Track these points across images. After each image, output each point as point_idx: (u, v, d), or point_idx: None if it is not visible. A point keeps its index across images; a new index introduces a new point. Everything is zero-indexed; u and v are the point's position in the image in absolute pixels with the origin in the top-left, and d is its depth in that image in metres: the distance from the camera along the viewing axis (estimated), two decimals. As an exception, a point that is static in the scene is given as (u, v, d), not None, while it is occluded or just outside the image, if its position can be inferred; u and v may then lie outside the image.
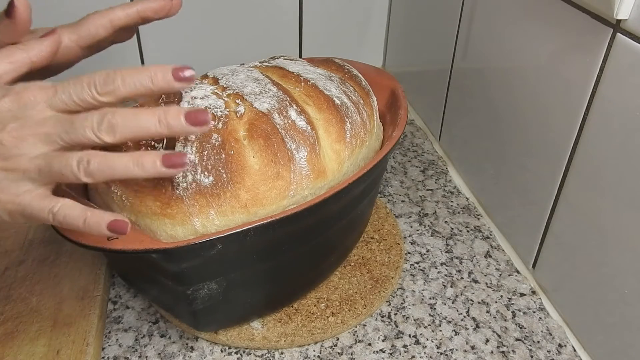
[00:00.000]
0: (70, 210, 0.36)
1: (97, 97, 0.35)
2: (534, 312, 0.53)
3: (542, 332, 0.51)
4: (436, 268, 0.57)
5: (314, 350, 0.49)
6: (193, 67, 0.36)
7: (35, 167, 0.35)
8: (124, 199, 0.41)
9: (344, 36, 0.91)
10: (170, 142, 0.41)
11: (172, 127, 0.35)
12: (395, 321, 0.52)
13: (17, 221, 0.37)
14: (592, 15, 0.43)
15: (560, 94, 0.48)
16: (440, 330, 0.51)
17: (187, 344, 0.49)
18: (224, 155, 0.40)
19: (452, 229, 0.62)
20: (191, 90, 0.45)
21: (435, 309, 0.53)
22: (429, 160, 0.74)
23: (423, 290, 0.55)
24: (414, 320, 0.52)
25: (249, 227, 0.38)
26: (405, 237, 0.61)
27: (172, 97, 0.45)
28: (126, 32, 0.50)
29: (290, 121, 0.43)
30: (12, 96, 0.35)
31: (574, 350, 0.49)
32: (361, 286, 0.53)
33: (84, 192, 0.46)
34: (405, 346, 0.49)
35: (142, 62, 0.88)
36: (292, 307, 0.51)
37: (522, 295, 0.54)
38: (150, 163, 0.35)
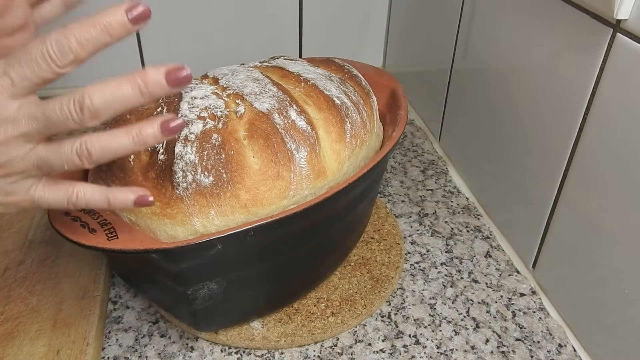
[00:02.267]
0: (90, 197, 0.35)
1: (58, 70, 0.33)
2: (534, 312, 0.53)
3: (542, 332, 0.51)
4: (436, 268, 0.57)
5: (314, 350, 0.49)
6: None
7: (32, 165, 0.34)
8: (124, 199, 0.41)
9: (344, 36, 0.91)
10: (170, 142, 0.41)
11: (155, 93, 0.33)
12: (395, 321, 0.52)
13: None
14: (592, 15, 0.43)
15: (560, 94, 0.48)
16: (440, 330, 0.51)
17: (187, 344, 0.49)
18: (224, 155, 0.40)
19: (452, 229, 0.62)
20: (191, 90, 0.45)
21: (435, 309, 0.53)
22: (429, 160, 0.74)
23: (423, 290, 0.55)
24: (414, 320, 0.52)
25: (249, 227, 0.38)
26: (405, 237, 0.61)
27: (172, 97, 0.45)
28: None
29: (290, 121, 0.43)
30: None
31: (574, 350, 0.49)
32: (361, 286, 0.53)
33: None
34: (405, 346, 0.49)
35: (142, 62, 0.88)
36: (292, 307, 0.51)
37: (522, 295, 0.54)
38: (151, 137, 0.34)
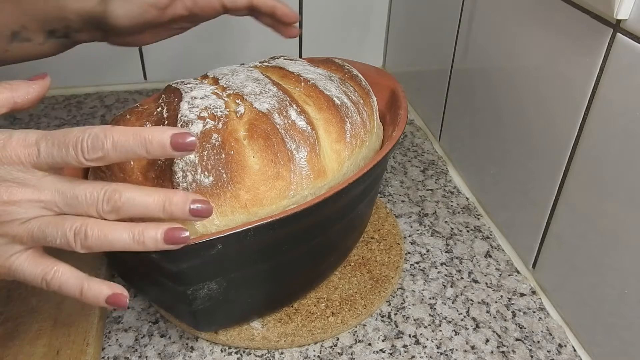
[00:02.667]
0: (65, 279, 0.34)
1: (84, 162, 0.33)
2: (534, 312, 0.53)
3: (542, 332, 0.51)
4: (436, 268, 0.57)
5: (314, 350, 0.49)
6: (194, 135, 0.34)
7: (27, 232, 0.33)
8: (124, 199, 0.41)
9: (344, 36, 0.91)
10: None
11: (176, 216, 0.34)
12: (395, 321, 0.52)
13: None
14: (592, 15, 0.43)
15: (560, 93, 0.48)
16: (440, 330, 0.51)
17: (187, 344, 0.49)
18: (224, 155, 0.40)
19: (452, 229, 0.62)
20: (191, 91, 0.45)
21: (435, 309, 0.53)
22: (429, 160, 0.74)
23: (423, 290, 0.55)
24: (414, 320, 0.52)
25: (249, 227, 0.38)
26: (405, 237, 0.61)
27: (172, 97, 0.45)
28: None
29: (290, 121, 0.43)
30: None
31: (574, 350, 0.49)
32: (361, 286, 0.53)
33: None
34: (405, 346, 0.49)
35: (142, 62, 0.88)
36: (292, 307, 0.51)
37: (522, 295, 0.54)
38: (151, 240, 0.34)
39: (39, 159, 0.33)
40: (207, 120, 0.42)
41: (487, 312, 0.53)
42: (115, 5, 0.53)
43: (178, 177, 0.40)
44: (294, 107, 0.44)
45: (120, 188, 0.34)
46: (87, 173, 0.46)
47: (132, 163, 0.42)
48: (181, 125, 0.41)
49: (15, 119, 0.82)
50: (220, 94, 0.45)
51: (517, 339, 0.50)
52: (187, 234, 0.35)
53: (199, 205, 0.34)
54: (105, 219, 0.34)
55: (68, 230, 0.33)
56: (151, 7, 0.54)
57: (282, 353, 0.49)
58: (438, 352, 0.49)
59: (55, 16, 0.54)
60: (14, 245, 0.34)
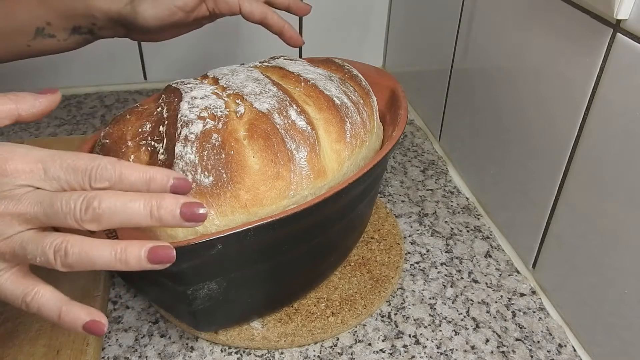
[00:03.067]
0: (44, 302, 0.33)
1: (88, 187, 0.32)
2: (534, 312, 0.53)
3: (542, 332, 0.51)
4: (436, 268, 0.57)
5: (314, 350, 0.49)
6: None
7: (9, 249, 0.33)
8: (124, 199, 0.41)
9: (344, 36, 0.91)
10: (170, 143, 0.41)
11: (165, 221, 0.32)
12: (395, 321, 0.52)
13: None
14: (592, 15, 0.43)
15: (560, 93, 0.48)
16: (440, 330, 0.51)
17: (187, 344, 0.49)
18: (224, 155, 0.40)
19: (452, 229, 0.62)
20: (191, 91, 0.45)
21: (435, 309, 0.53)
22: (429, 160, 0.74)
23: (423, 290, 0.55)
24: (414, 320, 0.52)
25: (249, 227, 0.38)
26: (405, 237, 0.61)
27: (172, 97, 0.45)
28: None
29: (290, 121, 0.43)
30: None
31: (574, 350, 0.49)
32: (361, 286, 0.53)
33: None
34: (405, 346, 0.49)
35: (142, 62, 0.88)
36: (292, 307, 0.51)
37: (522, 295, 0.54)
38: (134, 259, 0.32)
39: (44, 180, 0.33)
40: (207, 120, 0.42)
41: (487, 312, 0.53)
42: (145, 7, 0.55)
43: (178, 177, 0.40)
44: (294, 107, 0.44)
45: (101, 194, 0.32)
46: None
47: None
48: (181, 125, 0.41)
49: (15, 119, 0.82)
50: (220, 94, 0.45)
51: (517, 339, 0.50)
52: (173, 252, 0.33)
53: (193, 209, 0.33)
54: (88, 231, 0.32)
55: (48, 247, 0.32)
56: (179, 9, 0.56)
57: (282, 353, 0.49)
58: (438, 352, 0.49)
59: (82, 14, 0.56)
60: None
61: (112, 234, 0.39)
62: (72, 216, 0.31)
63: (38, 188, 0.33)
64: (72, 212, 0.31)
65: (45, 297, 0.34)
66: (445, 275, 0.56)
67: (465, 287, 0.55)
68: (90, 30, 0.57)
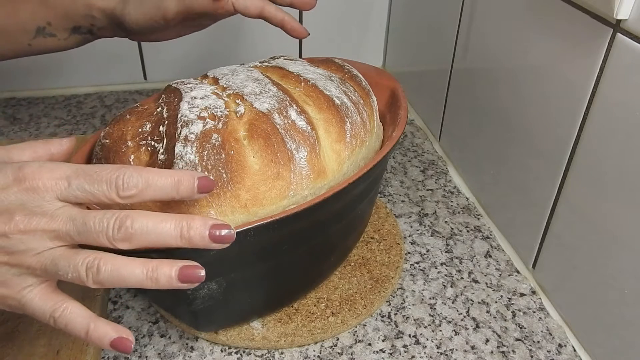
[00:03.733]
0: (73, 318, 0.34)
1: (116, 199, 0.33)
2: (534, 312, 0.53)
3: (542, 332, 0.51)
4: (436, 268, 0.57)
5: (314, 350, 0.49)
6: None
7: (41, 265, 0.33)
8: (124, 199, 0.41)
9: (344, 36, 0.91)
10: (170, 142, 0.41)
11: (194, 242, 0.33)
12: (395, 321, 0.52)
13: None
14: (592, 15, 0.43)
15: (560, 93, 0.48)
16: (440, 330, 0.51)
17: (187, 344, 0.49)
18: (224, 155, 0.40)
19: (452, 229, 0.62)
20: (191, 91, 0.45)
21: (435, 309, 0.53)
22: (429, 160, 0.74)
23: (423, 290, 0.55)
24: (414, 320, 0.52)
25: (249, 227, 0.38)
26: (405, 237, 0.61)
27: (172, 97, 0.45)
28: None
29: (290, 121, 0.43)
30: (21, 184, 0.33)
31: (574, 350, 0.49)
32: (361, 286, 0.53)
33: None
34: (405, 346, 0.49)
35: (142, 62, 0.88)
36: (292, 307, 0.51)
37: (522, 295, 0.54)
38: (165, 278, 0.33)
39: (68, 191, 0.33)
40: (207, 120, 0.42)
41: (487, 312, 0.53)
42: (131, 8, 0.55)
43: (178, 177, 0.40)
44: (294, 107, 0.44)
45: (133, 214, 0.33)
46: None
47: (132, 163, 0.42)
48: (181, 125, 0.41)
49: (15, 119, 0.82)
50: (220, 94, 0.45)
51: (517, 339, 0.50)
52: (202, 273, 0.34)
53: (221, 231, 0.34)
54: (119, 249, 0.33)
55: (80, 264, 0.33)
56: (161, 18, 0.56)
57: (282, 353, 0.49)
58: (438, 352, 0.49)
59: (81, 13, 0.56)
60: (27, 278, 0.34)
61: None
62: (104, 235, 0.32)
63: (65, 203, 0.33)
64: (105, 230, 0.32)
65: (74, 313, 0.34)
66: (445, 275, 0.56)
67: (465, 287, 0.55)
68: (89, 30, 0.58)
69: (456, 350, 0.49)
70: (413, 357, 0.48)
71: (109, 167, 0.34)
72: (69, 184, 0.33)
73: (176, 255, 0.39)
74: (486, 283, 0.56)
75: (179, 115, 0.42)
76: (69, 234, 0.33)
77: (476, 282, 0.56)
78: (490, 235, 0.62)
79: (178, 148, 0.40)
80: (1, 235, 0.32)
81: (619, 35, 0.41)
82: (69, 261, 0.33)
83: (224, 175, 0.40)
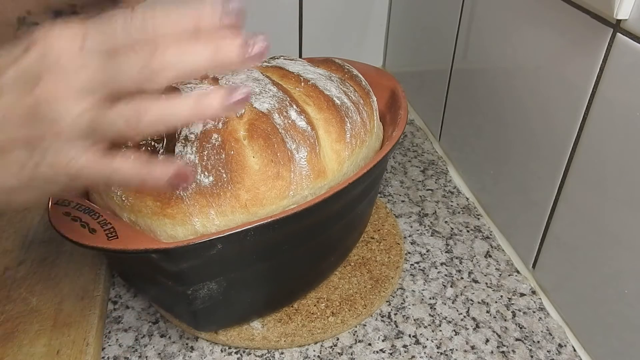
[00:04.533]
0: (126, 175, 0.32)
1: (126, 37, 0.30)
2: (534, 312, 0.53)
3: (542, 332, 0.51)
4: (436, 268, 0.57)
5: (314, 350, 0.49)
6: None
7: (78, 130, 0.30)
8: (124, 199, 0.41)
9: (344, 36, 0.91)
10: (170, 142, 0.41)
11: (230, 58, 0.31)
12: (395, 321, 0.52)
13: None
14: (592, 15, 0.43)
15: (560, 93, 0.48)
16: (440, 330, 0.51)
17: (187, 344, 0.49)
18: (224, 155, 0.40)
19: (452, 229, 0.62)
20: (191, 90, 0.45)
21: (435, 309, 0.53)
22: (429, 160, 0.74)
23: (423, 290, 0.55)
24: (414, 320, 0.52)
25: (249, 227, 0.38)
26: (405, 237, 0.61)
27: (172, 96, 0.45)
28: None
29: (290, 121, 0.43)
30: (37, 46, 0.30)
31: (574, 350, 0.49)
32: (361, 286, 0.53)
33: (84, 192, 0.46)
34: (405, 346, 0.49)
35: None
36: (292, 307, 0.51)
37: (522, 295, 0.54)
38: (212, 108, 0.31)
39: (85, 44, 0.30)
40: (207, 120, 0.42)
41: (487, 312, 0.53)
42: None
43: (178, 177, 0.40)
44: (294, 107, 0.44)
45: (161, 48, 0.30)
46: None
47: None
48: (181, 125, 0.41)
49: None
50: (220, 94, 0.45)
51: (517, 339, 0.50)
52: (249, 89, 0.32)
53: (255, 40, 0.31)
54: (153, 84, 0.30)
55: (118, 114, 0.30)
56: None
57: (282, 353, 0.49)
58: (438, 352, 0.49)
59: None
60: (69, 149, 0.31)
61: (112, 233, 0.39)
62: (138, 65, 0.30)
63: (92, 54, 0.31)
64: (136, 63, 0.30)
65: (125, 169, 0.32)
66: (445, 275, 0.56)
67: (465, 287, 0.55)
68: (73, 12, 0.56)
69: (456, 350, 0.49)
70: (413, 357, 0.48)
71: (119, 15, 0.30)
72: (84, 39, 0.30)
73: (174, 256, 0.39)
74: (486, 283, 0.56)
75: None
76: (102, 83, 0.30)
77: (476, 282, 0.56)
78: (490, 235, 0.62)
79: (178, 148, 0.40)
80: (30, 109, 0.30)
81: (619, 35, 0.41)
82: (108, 117, 0.30)
83: (224, 175, 0.40)
